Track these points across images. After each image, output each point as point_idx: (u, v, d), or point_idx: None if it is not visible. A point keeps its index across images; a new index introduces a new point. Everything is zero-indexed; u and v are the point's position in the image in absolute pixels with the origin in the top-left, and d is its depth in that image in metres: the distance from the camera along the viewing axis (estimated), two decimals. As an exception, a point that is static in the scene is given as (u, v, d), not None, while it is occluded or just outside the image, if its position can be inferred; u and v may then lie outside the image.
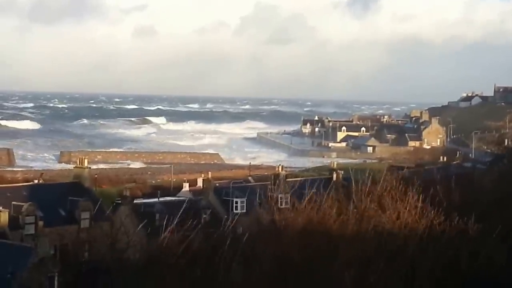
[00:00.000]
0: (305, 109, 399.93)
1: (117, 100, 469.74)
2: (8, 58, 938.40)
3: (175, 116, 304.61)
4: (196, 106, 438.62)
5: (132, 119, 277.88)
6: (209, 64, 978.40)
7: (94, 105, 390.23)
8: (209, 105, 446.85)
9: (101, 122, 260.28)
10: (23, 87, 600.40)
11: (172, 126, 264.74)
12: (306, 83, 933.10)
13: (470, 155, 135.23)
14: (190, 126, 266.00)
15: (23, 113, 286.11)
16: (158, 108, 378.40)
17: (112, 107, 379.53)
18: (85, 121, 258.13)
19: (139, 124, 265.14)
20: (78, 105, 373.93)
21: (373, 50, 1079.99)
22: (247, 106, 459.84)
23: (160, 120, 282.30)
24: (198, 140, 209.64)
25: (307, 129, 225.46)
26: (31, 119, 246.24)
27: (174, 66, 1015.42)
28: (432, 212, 37.32)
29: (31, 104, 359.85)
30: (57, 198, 50.77)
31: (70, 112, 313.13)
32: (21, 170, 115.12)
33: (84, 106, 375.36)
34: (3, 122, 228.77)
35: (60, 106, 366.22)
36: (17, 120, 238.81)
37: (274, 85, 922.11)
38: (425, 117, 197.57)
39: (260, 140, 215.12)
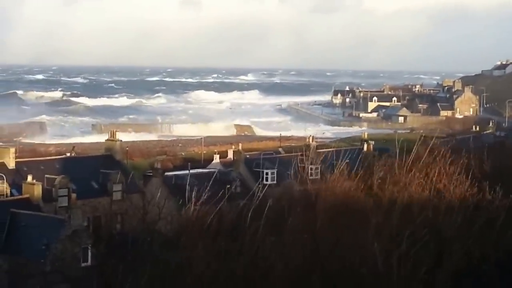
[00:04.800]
0: (375, 79, 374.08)
1: (168, 71, 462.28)
2: (54, 32, 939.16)
3: (230, 88, 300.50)
4: (250, 78, 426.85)
5: (190, 92, 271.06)
6: (253, 35, 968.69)
7: (149, 79, 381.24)
8: (269, 77, 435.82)
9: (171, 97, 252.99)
10: (70, 61, 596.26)
11: (230, 99, 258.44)
12: (352, 53, 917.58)
13: (504, 124, 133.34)
14: (250, 99, 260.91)
15: (77, 87, 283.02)
16: (212, 81, 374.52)
17: (167, 80, 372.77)
18: (162, 95, 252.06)
19: (195, 97, 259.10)
20: (134, 79, 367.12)
21: (420, 18, 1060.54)
22: (310, 78, 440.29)
23: (217, 95, 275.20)
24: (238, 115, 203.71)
25: (337, 99, 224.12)
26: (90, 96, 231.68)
27: (219, 38, 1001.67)
28: (464, 183, 36.92)
29: (82, 80, 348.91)
30: (90, 171, 51.21)
31: (120, 86, 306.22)
32: (54, 144, 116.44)
33: (146, 79, 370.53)
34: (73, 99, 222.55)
35: (108, 79, 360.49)
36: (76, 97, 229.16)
37: (319, 55, 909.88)
38: (458, 86, 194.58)
39: (290, 111, 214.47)
